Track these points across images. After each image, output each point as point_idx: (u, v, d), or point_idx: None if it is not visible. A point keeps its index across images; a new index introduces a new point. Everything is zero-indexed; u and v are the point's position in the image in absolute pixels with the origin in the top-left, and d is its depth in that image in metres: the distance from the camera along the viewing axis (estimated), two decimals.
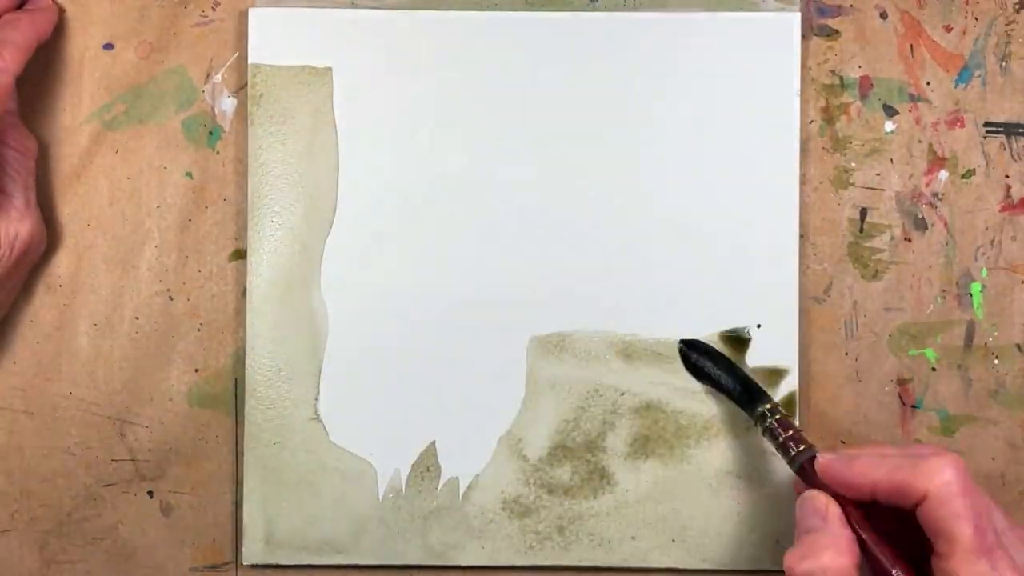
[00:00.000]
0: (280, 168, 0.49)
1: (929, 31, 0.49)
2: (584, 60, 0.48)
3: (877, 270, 0.49)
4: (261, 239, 0.49)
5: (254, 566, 0.49)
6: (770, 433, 0.44)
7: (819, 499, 0.41)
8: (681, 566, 0.48)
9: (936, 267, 0.49)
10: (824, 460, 0.42)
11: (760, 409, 0.45)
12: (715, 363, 0.47)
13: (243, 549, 0.48)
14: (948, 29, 0.49)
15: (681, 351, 0.48)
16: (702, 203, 0.48)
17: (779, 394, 0.48)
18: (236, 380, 0.49)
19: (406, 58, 0.49)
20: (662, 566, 0.48)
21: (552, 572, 0.49)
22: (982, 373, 0.49)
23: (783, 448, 0.44)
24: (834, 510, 0.41)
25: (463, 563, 0.48)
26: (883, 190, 0.49)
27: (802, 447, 0.43)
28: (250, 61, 0.49)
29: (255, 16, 0.49)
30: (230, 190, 0.49)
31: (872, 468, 0.41)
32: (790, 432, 0.44)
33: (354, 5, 0.49)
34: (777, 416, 0.44)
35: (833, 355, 0.49)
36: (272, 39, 0.49)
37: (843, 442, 0.49)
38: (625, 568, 0.48)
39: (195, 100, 0.49)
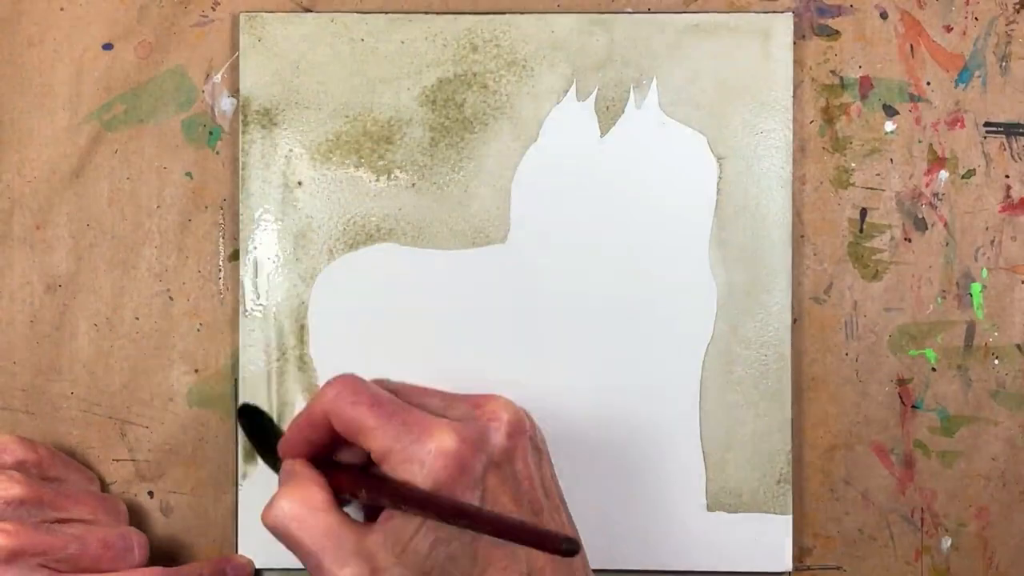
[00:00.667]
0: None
1: (929, 31, 0.49)
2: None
3: (877, 270, 0.49)
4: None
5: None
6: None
7: (287, 462, 0.42)
8: None
9: (936, 267, 0.49)
10: (283, 440, 0.42)
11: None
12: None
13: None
14: (948, 29, 0.49)
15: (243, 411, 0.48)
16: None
17: None
18: (236, 380, 0.49)
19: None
20: None
21: None
22: (982, 373, 0.49)
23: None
24: (300, 463, 0.41)
25: None
26: (883, 190, 0.49)
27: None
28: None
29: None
30: (230, 190, 0.49)
31: (296, 421, 0.41)
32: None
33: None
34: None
35: (833, 355, 0.49)
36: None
37: (842, 444, 0.49)
38: None
39: (195, 100, 0.49)
